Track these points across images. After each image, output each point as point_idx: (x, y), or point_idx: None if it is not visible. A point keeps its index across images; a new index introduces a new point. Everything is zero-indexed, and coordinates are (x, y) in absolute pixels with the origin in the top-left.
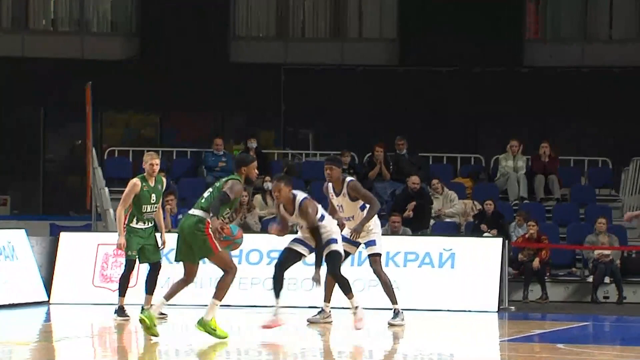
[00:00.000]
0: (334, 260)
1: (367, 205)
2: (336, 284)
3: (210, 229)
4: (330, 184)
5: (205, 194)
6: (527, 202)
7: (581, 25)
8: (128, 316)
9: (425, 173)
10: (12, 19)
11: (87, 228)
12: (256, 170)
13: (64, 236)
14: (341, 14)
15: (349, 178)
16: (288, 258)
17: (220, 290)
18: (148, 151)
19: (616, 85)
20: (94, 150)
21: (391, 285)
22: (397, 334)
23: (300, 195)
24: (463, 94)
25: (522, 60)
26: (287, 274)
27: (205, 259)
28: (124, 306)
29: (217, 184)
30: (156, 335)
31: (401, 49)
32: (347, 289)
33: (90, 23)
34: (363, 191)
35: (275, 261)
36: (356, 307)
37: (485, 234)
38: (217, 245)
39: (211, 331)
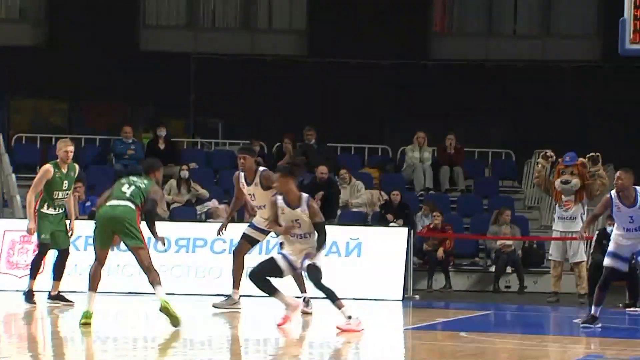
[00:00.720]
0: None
1: None
2: (244, 272)
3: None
4: (242, 173)
5: (126, 189)
6: (433, 192)
7: (486, 20)
8: (35, 303)
9: (334, 163)
10: None
11: None
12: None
13: None
14: (251, 5)
15: (261, 168)
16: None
17: (157, 280)
18: (61, 138)
19: (520, 79)
20: (0, 136)
21: (301, 274)
22: (306, 322)
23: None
24: (371, 85)
25: (428, 53)
26: (196, 262)
27: (129, 249)
28: (34, 291)
29: (142, 186)
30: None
31: (310, 41)
32: (333, 298)
33: None
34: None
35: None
36: (349, 317)
37: (391, 224)
38: (146, 239)
39: (172, 312)
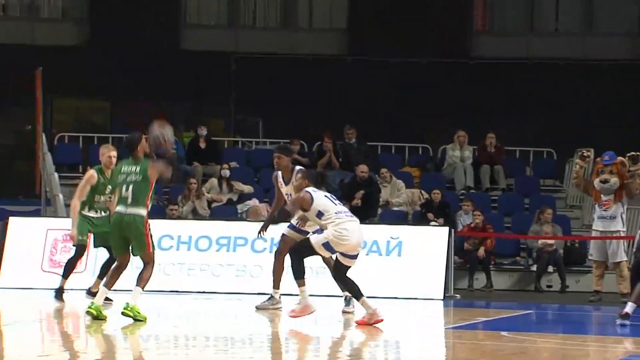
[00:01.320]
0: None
1: None
2: (284, 271)
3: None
4: (279, 173)
5: (125, 192)
6: (473, 191)
7: (527, 17)
8: (64, 301)
9: (374, 162)
10: None
11: (36, 213)
12: (146, 143)
13: (13, 221)
14: (292, 4)
15: (298, 167)
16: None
17: (144, 280)
18: (102, 137)
19: (561, 77)
20: (43, 136)
21: None
22: (348, 321)
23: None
24: (412, 83)
25: (469, 51)
26: (237, 260)
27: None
28: (64, 290)
29: (139, 178)
30: (104, 319)
31: (350, 39)
32: (355, 293)
33: (41, 8)
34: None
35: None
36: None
37: (432, 223)
38: (151, 243)
39: (136, 314)
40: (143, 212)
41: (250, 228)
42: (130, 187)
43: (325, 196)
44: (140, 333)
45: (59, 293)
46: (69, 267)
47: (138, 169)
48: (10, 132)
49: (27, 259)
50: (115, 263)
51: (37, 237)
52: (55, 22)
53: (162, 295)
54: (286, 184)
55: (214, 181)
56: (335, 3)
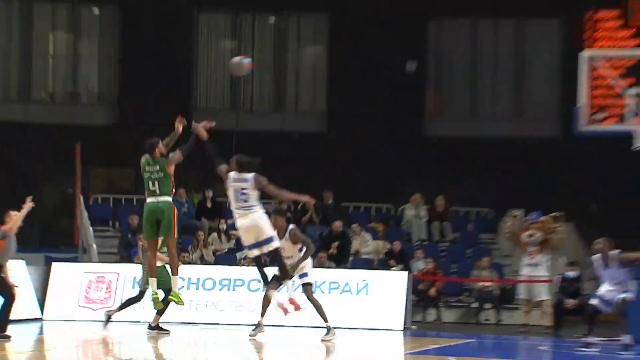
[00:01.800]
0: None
1: (304, 247)
2: (269, 305)
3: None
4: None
5: (152, 186)
6: (427, 242)
7: (469, 104)
8: (108, 330)
9: (347, 219)
10: (18, 91)
11: (74, 259)
12: (163, 146)
13: (55, 266)
14: (281, 91)
15: (291, 226)
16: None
17: (176, 266)
18: (128, 199)
19: (496, 152)
20: (81, 197)
21: (321, 307)
22: (328, 348)
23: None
24: (379, 156)
25: (423, 131)
26: (236, 298)
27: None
28: (111, 319)
29: (161, 175)
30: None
31: (330, 119)
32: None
33: (81, 95)
34: (302, 237)
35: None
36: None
37: (393, 268)
38: (177, 230)
39: (178, 300)
40: (169, 199)
41: (247, 272)
42: (156, 183)
43: (235, 191)
44: (156, 358)
45: (108, 321)
46: (125, 305)
47: (157, 167)
48: (55, 195)
49: (66, 296)
50: (149, 254)
51: (75, 279)
52: (91, 106)
53: (175, 326)
54: (280, 239)
55: (214, 235)
56: (317, 91)
